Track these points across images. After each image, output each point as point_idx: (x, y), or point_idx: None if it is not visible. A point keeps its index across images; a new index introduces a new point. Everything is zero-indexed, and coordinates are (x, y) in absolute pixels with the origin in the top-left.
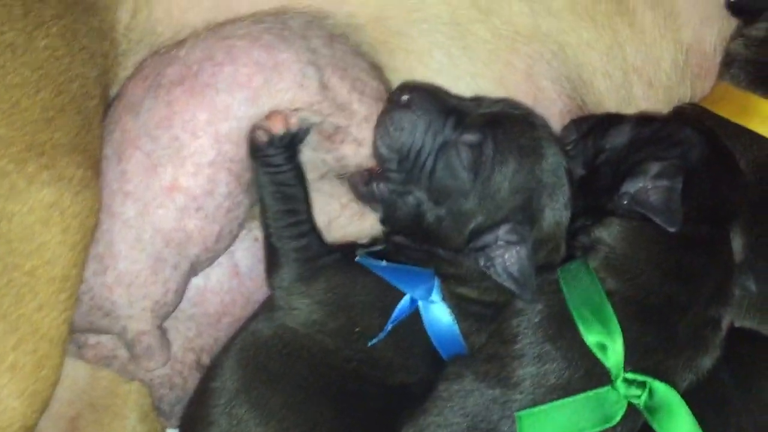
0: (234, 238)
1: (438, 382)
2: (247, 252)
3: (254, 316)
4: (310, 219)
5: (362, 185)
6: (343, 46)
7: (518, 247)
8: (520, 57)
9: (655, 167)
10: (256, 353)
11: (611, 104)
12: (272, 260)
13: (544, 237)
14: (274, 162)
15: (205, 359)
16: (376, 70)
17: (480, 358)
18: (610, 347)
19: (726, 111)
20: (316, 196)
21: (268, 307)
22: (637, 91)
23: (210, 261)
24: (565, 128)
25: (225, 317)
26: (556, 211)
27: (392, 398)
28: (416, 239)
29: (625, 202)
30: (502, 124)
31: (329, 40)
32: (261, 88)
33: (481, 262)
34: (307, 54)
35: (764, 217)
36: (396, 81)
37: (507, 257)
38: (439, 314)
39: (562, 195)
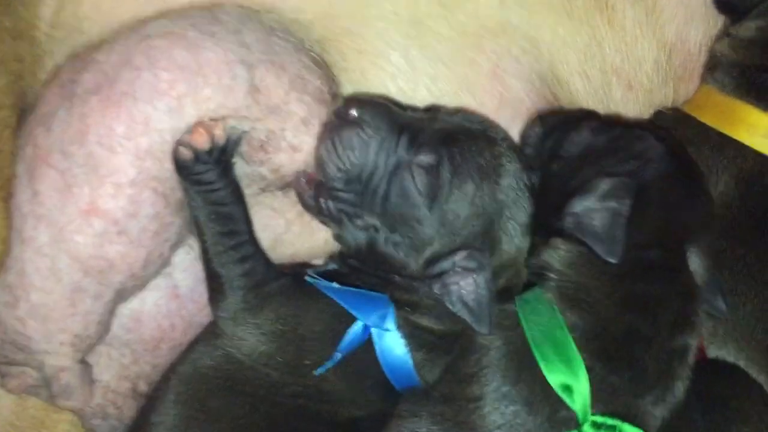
0: (166, 261)
1: (391, 419)
2: (188, 272)
3: (196, 342)
4: (252, 240)
5: (309, 196)
6: (283, 42)
7: (476, 275)
8: (485, 55)
9: (604, 185)
10: (196, 387)
11: (588, 106)
12: (215, 287)
13: (504, 262)
14: (205, 179)
15: (143, 387)
16: (321, 68)
17: (436, 398)
18: (576, 389)
19: (709, 118)
20: (258, 211)
21: (211, 333)
22: (615, 93)
23: (140, 287)
24: (531, 122)
25: (164, 343)
26: (516, 235)
27: None
28: (369, 264)
29: (570, 225)
30: (459, 141)
31: (266, 34)
32: (185, 95)
33: (436, 290)
34: (238, 51)
35: (749, 236)
36: (347, 84)
37: (464, 284)
38: (392, 343)
39: (523, 217)
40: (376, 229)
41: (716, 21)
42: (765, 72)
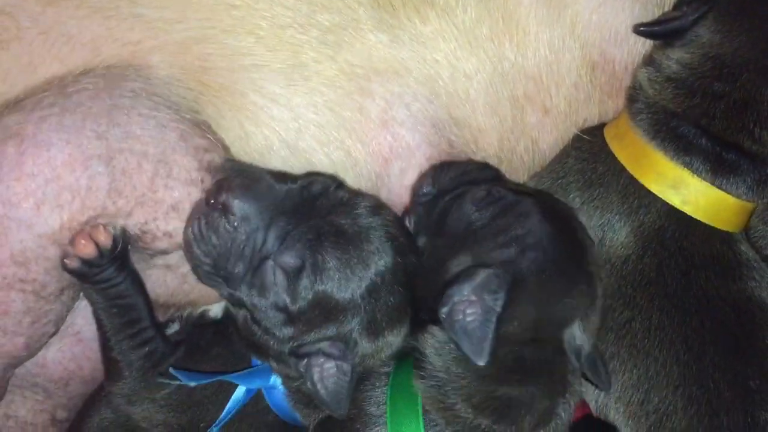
0: (54, 334)
1: None
2: (91, 318)
3: (97, 395)
4: (152, 323)
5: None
6: (144, 120)
7: (338, 362)
8: (374, 100)
9: (478, 276)
10: None
11: (493, 139)
12: (112, 369)
13: (368, 353)
14: (102, 278)
15: (62, 414)
16: (189, 141)
17: None
18: None
19: (623, 154)
20: (152, 271)
21: (107, 397)
22: (530, 119)
23: (31, 356)
24: (422, 176)
25: (73, 381)
26: (379, 334)
27: None
28: (245, 334)
29: (444, 316)
30: (327, 247)
31: (126, 114)
32: (42, 203)
33: (301, 369)
34: (94, 144)
35: (639, 298)
36: (228, 143)
37: (327, 367)
38: (279, 399)
39: (387, 317)
40: (245, 307)
41: (644, 40)
42: (676, 118)
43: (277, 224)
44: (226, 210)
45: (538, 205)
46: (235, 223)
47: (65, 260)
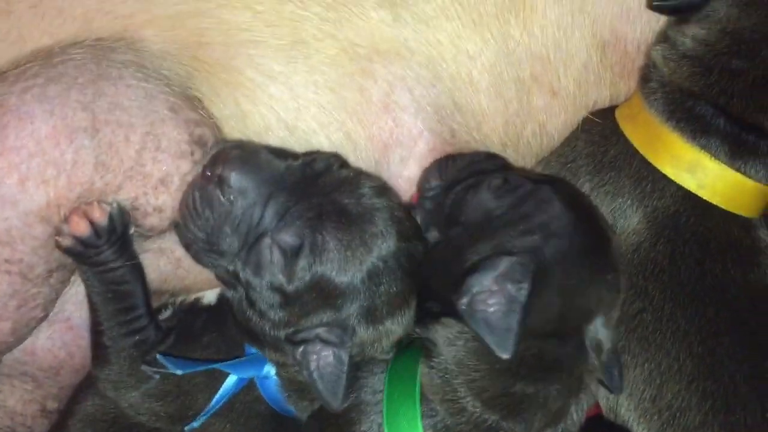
0: (42, 319)
1: None
2: (81, 305)
3: (85, 383)
4: (148, 312)
5: (183, 245)
6: (132, 91)
7: (336, 349)
8: (376, 83)
9: (502, 264)
10: (87, 426)
11: (498, 124)
12: (100, 355)
13: (367, 341)
14: (100, 261)
15: (52, 405)
16: (180, 113)
17: None
18: None
19: (636, 137)
20: (145, 256)
21: (94, 384)
22: (537, 102)
23: (18, 342)
24: (427, 171)
25: (64, 369)
26: (379, 321)
27: None
28: (239, 318)
29: (464, 307)
30: (328, 228)
31: (113, 84)
32: (26, 179)
33: (298, 356)
34: (79, 116)
35: (651, 287)
36: (223, 121)
37: (323, 356)
38: (272, 389)
39: (389, 303)
40: (240, 285)
41: (657, 17)
42: (693, 98)
43: (276, 200)
44: (221, 182)
45: (558, 192)
46: (231, 197)
47: (57, 237)
